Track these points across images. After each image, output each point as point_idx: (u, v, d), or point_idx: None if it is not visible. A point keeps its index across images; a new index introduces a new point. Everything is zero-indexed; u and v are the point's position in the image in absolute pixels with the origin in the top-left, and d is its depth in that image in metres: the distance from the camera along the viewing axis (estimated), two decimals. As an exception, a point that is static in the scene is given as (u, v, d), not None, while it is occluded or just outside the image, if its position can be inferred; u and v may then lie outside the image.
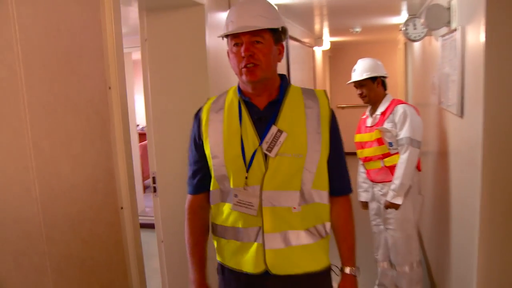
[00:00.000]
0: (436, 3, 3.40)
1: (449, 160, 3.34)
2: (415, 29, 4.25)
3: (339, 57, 10.07)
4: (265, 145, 1.60)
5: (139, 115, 6.66)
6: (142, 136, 7.34)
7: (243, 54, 1.58)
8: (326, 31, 7.16)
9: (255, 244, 1.64)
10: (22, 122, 1.45)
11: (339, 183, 1.74)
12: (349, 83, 3.42)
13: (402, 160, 3.12)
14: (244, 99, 1.69)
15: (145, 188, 7.22)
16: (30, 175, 1.48)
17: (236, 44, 1.61)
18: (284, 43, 1.71)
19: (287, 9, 4.81)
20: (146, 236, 2.69)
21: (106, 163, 1.87)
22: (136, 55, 5.33)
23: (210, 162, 1.69)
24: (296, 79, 5.92)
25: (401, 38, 7.48)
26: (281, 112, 1.65)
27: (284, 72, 5.32)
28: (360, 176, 3.63)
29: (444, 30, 3.35)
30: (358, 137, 3.48)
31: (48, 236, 1.54)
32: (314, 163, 1.62)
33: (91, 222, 1.77)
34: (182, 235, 1.83)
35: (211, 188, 1.73)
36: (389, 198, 3.16)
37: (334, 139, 1.69)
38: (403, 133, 3.13)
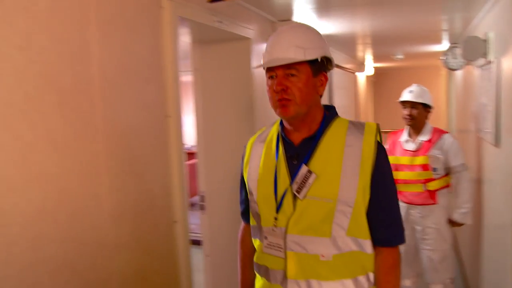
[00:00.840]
0: (474, 35, 3.53)
1: (484, 187, 3.44)
2: (455, 58, 4.38)
3: (383, 82, 10.18)
4: (295, 186, 1.49)
5: (186, 135, 6.96)
6: (188, 155, 7.63)
7: (275, 88, 1.48)
8: (369, 57, 7.32)
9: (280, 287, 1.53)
10: (98, 144, 1.72)
11: (385, 233, 1.52)
12: (402, 101, 3.58)
13: (465, 185, 3.36)
14: (282, 133, 1.59)
15: (191, 205, 7.49)
16: (103, 191, 1.74)
17: (271, 77, 1.52)
18: (327, 73, 1.58)
19: (330, 38, 5.02)
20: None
21: (163, 180, 2.12)
22: (183, 78, 5.63)
23: (248, 197, 1.66)
24: (339, 105, 6.06)
25: (443, 64, 7.55)
26: (315, 151, 1.51)
27: (326, 98, 5.54)
28: None
29: (482, 61, 3.47)
30: (393, 159, 3.61)
31: (117, 244, 1.80)
32: (348, 209, 1.46)
33: (149, 234, 2.02)
34: (226, 251, 2.03)
35: (250, 222, 1.68)
36: (459, 219, 3.40)
37: (379, 182, 1.49)
38: (459, 160, 3.37)
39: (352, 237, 1.47)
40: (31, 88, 1.44)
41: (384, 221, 1.52)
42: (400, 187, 3.54)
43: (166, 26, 2.11)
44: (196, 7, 2.37)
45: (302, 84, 1.48)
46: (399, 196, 3.62)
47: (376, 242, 1.52)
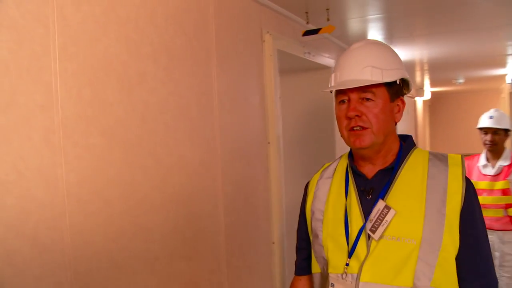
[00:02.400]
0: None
1: None
2: (525, 82, 4.35)
3: (439, 106, 10.09)
4: (369, 224, 1.28)
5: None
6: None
7: (348, 114, 1.29)
8: (427, 82, 7.33)
9: None
10: (217, 169, 1.86)
11: (476, 284, 1.27)
12: (484, 128, 3.59)
13: None
14: (353, 166, 1.39)
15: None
16: (220, 212, 1.88)
17: (342, 101, 1.32)
18: (405, 97, 1.39)
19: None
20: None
21: (266, 202, 2.24)
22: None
23: (311, 240, 1.44)
24: (400, 130, 6.10)
25: (505, 87, 7.43)
26: (393, 184, 1.30)
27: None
28: None
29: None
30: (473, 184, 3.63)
31: (228, 262, 1.92)
32: (433, 253, 1.23)
33: (253, 253, 2.13)
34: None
35: (312, 271, 1.47)
36: None
37: (470, 222, 1.26)
38: None
39: None
40: (169, 118, 1.60)
41: (476, 270, 1.27)
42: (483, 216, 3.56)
43: (267, 58, 2.26)
44: (290, 40, 2.52)
45: (379, 109, 1.28)
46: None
47: None
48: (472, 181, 3.70)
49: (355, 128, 1.28)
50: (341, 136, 1.35)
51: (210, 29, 1.85)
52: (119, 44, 1.39)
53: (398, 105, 1.35)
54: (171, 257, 1.58)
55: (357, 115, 1.27)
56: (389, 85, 1.30)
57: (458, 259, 1.25)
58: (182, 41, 1.67)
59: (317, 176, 1.51)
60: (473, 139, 7.23)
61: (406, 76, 1.36)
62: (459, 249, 1.24)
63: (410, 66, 5.50)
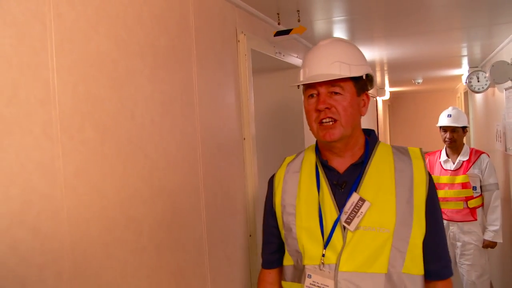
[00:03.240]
0: (500, 60, 3.78)
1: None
2: (478, 81, 4.62)
3: (398, 105, 10.48)
4: (344, 216, 1.34)
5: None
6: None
7: (318, 107, 1.34)
8: (387, 82, 7.60)
9: None
10: (198, 164, 1.93)
11: (438, 265, 1.40)
12: (443, 126, 3.77)
13: (496, 204, 3.57)
14: (322, 161, 1.45)
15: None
16: (201, 205, 1.94)
17: (311, 95, 1.38)
18: (369, 92, 1.49)
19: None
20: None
21: (243, 196, 2.32)
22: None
23: (283, 234, 1.49)
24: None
25: (460, 87, 7.80)
26: (364, 177, 1.37)
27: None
28: None
29: (509, 83, 3.70)
30: (434, 178, 3.82)
31: (210, 253, 1.99)
32: (405, 241, 1.32)
33: (232, 245, 2.21)
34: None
35: (284, 263, 1.51)
36: (489, 238, 3.57)
37: (432, 211, 1.38)
38: (492, 180, 3.60)
39: (407, 274, 1.32)
40: (155, 114, 1.66)
41: (437, 253, 1.39)
42: (441, 205, 3.76)
43: (242, 57, 2.34)
44: (262, 41, 2.61)
45: (348, 103, 1.35)
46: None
47: (429, 276, 1.39)
48: (434, 176, 3.92)
49: (324, 121, 1.35)
50: (310, 129, 1.41)
51: (190, 29, 1.91)
52: (110, 42, 1.44)
53: (363, 99, 1.44)
54: (158, 248, 1.64)
55: (327, 108, 1.34)
56: (356, 80, 1.38)
57: (424, 244, 1.36)
58: (165, 40, 1.73)
59: (282, 170, 1.55)
60: (432, 137, 7.58)
61: (371, 72, 1.45)
62: (424, 235, 1.36)
63: (371, 66, 5.70)
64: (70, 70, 1.28)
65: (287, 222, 1.45)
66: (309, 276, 1.36)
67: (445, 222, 3.75)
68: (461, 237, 3.68)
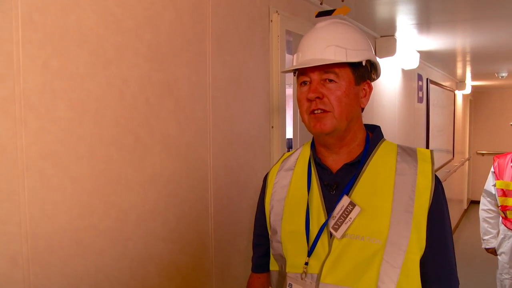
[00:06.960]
0: None
1: None
2: None
3: (481, 101, 9.63)
4: (332, 221, 1.18)
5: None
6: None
7: (308, 96, 1.19)
8: (468, 75, 6.99)
9: None
10: (207, 152, 1.80)
11: (440, 286, 1.21)
12: None
13: None
14: (316, 158, 1.29)
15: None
16: (209, 196, 1.82)
17: (303, 83, 1.23)
18: (372, 82, 1.30)
19: (428, 54, 4.86)
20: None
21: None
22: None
23: (270, 236, 1.35)
24: (435, 124, 5.87)
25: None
26: (359, 178, 1.21)
27: (423, 116, 5.35)
28: (486, 222, 3.61)
29: None
30: (504, 184, 3.42)
31: (217, 249, 1.87)
32: (399, 255, 1.13)
33: (248, 242, 2.07)
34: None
35: (270, 268, 1.39)
36: None
37: (436, 224, 1.18)
38: None
39: None
40: (152, 95, 1.54)
41: (440, 274, 1.20)
42: (509, 214, 3.37)
43: (275, 39, 2.16)
44: (301, 21, 2.41)
45: (342, 92, 1.19)
46: (508, 224, 3.43)
47: None
48: (503, 181, 3.52)
49: (315, 112, 1.19)
50: (302, 120, 1.26)
51: (205, 4, 1.77)
52: (96, 16, 1.33)
53: (364, 89, 1.26)
54: (146, 238, 1.54)
55: (318, 97, 1.18)
56: (355, 67, 1.21)
57: (423, 261, 1.16)
58: (171, 16, 1.60)
59: (276, 167, 1.41)
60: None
61: (374, 58, 1.27)
62: (424, 250, 1.16)
63: (451, 56, 5.21)
64: (40, 44, 1.19)
65: (273, 224, 1.32)
66: (290, 286, 1.24)
67: (509, 233, 3.36)
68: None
